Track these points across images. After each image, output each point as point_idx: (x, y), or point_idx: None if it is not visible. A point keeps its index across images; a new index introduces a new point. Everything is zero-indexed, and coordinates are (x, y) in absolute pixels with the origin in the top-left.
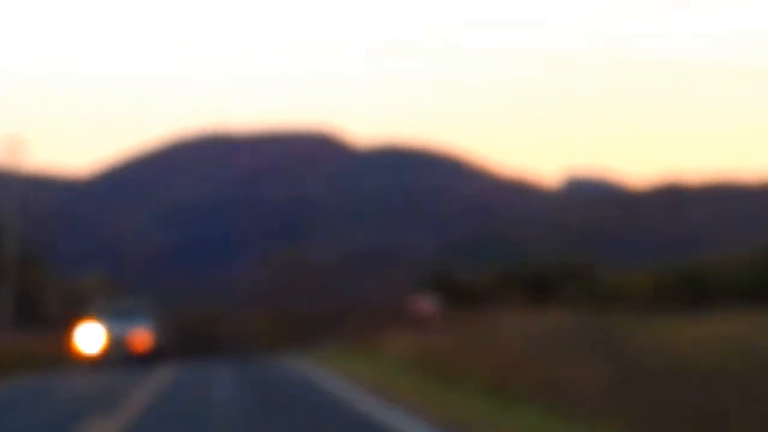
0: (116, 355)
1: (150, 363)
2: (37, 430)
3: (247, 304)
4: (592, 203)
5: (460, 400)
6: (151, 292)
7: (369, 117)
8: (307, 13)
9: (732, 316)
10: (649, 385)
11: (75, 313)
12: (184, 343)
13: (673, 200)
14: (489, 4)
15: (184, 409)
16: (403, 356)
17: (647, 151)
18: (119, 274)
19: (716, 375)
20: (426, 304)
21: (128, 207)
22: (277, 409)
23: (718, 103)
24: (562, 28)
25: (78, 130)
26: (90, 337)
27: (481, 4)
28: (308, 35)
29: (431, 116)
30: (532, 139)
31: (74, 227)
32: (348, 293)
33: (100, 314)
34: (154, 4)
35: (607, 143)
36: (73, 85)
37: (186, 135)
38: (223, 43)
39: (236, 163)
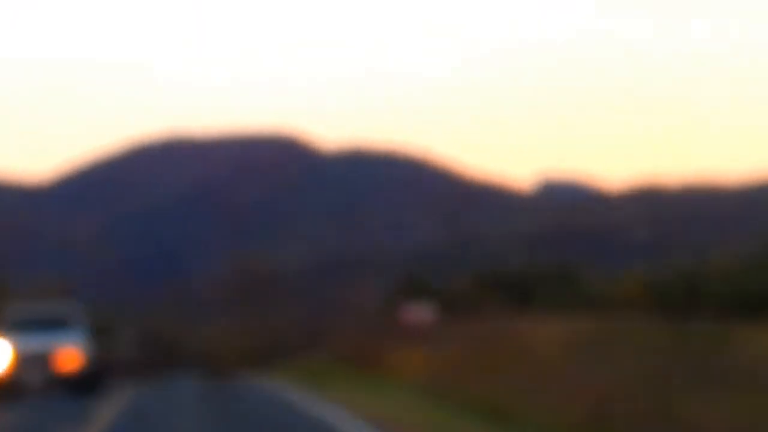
0: (33, 379)
1: (81, 389)
2: None
3: (214, 314)
4: (566, 207)
5: None
6: (110, 301)
7: (335, 120)
8: (271, 16)
9: None
10: None
11: None
12: (145, 358)
13: (650, 203)
14: (457, 3)
15: None
16: (417, 377)
17: (622, 153)
18: (78, 283)
19: None
20: (421, 312)
21: (87, 213)
22: None
23: (695, 103)
24: (532, 28)
25: (35, 134)
26: None
27: (447, 4)
28: (272, 38)
29: (399, 118)
30: (504, 142)
31: (30, 235)
32: (318, 301)
33: (11, 325)
34: (113, 5)
35: (581, 146)
36: (38, 88)
37: (147, 139)
38: (188, 45)
39: (199, 168)
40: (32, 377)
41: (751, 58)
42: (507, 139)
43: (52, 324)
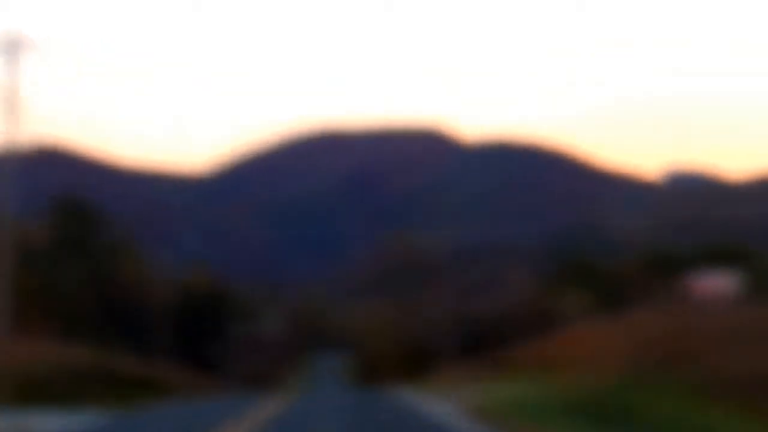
0: None
1: None
2: None
3: (363, 299)
4: (693, 196)
5: None
6: (262, 285)
7: (477, 114)
8: (420, 17)
9: None
10: None
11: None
12: (290, 338)
13: None
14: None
15: None
16: None
17: (747, 146)
18: (232, 268)
19: None
20: (719, 282)
21: (241, 203)
22: None
23: None
24: (662, 38)
25: (193, 129)
26: None
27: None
28: (420, 37)
29: (537, 112)
30: (634, 134)
31: (189, 222)
32: (467, 285)
33: None
34: (269, 10)
35: (707, 139)
36: (190, 87)
37: (298, 133)
38: (337, 42)
39: (348, 160)
40: None
41: None
42: (637, 133)
43: None
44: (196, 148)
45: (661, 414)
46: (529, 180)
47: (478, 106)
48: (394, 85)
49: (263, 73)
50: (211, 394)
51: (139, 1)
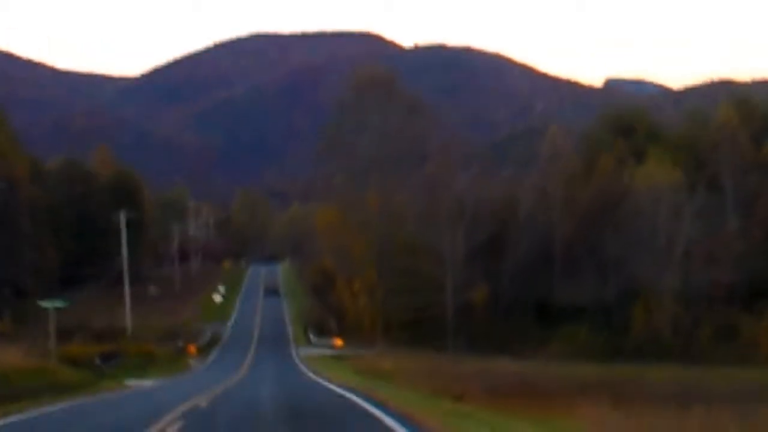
0: None
1: None
2: None
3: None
4: (632, 100)
5: None
6: (195, 188)
7: (416, 17)
8: None
9: None
10: None
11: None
12: (220, 242)
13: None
14: None
15: None
16: None
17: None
18: (167, 172)
19: None
20: None
21: (176, 106)
22: None
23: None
24: None
25: (129, 32)
26: None
27: None
28: None
29: (477, 16)
30: (576, 41)
31: (123, 125)
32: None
33: None
34: None
35: (648, 45)
36: None
37: (234, 35)
38: None
39: (284, 63)
40: None
41: None
42: (579, 40)
43: None
44: (130, 51)
45: None
46: (469, 84)
47: (417, 10)
48: None
49: None
50: None
51: None
